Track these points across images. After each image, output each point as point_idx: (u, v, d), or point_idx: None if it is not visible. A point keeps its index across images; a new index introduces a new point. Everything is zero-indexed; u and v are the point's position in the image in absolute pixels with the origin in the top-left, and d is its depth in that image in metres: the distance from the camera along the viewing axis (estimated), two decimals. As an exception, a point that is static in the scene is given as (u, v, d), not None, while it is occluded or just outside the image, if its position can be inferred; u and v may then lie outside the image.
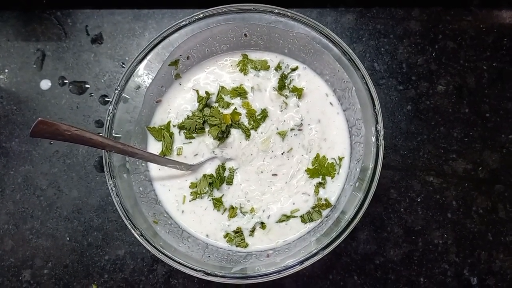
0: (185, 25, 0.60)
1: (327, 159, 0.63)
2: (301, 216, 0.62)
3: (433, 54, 0.73)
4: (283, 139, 0.64)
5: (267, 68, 0.66)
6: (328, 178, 0.63)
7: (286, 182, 0.63)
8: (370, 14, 0.75)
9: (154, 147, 0.65)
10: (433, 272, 0.66)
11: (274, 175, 0.63)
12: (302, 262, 0.52)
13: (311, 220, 0.61)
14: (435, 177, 0.69)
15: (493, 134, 0.70)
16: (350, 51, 0.58)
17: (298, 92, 0.65)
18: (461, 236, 0.67)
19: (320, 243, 0.53)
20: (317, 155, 0.63)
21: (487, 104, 0.71)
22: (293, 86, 0.66)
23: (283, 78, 0.66)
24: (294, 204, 0.62)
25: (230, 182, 0.63)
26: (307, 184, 0.63)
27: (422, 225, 0.67)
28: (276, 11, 0.59)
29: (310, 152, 0.64)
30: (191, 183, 0.64)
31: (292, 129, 0.64)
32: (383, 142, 0.55)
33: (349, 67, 0.58)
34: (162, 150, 0.65)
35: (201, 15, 0.60)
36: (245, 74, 0.66)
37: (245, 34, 0.63)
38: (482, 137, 0.70)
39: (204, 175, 0.64)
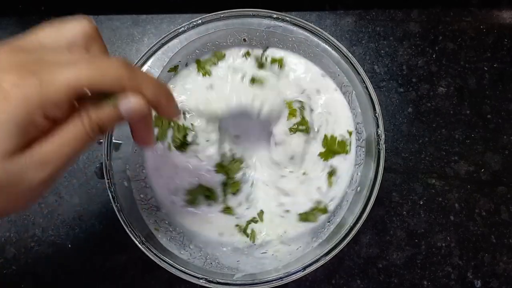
0: (184, 31, 0.60)
1: (336, 137, 0.61)
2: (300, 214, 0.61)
3: (433, 56, 0.73)
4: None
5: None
6: (339, 162, 0.61)
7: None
8: (370, 16, 0.74)
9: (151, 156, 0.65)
10: (436, 275, 0.66)
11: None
12: (304, 268, 0.52)
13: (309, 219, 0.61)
14: (437, 180, 0.69)
15: (495, 135, 0.70)
16: (350, 55, 0.57)
17: (279, 63, 0.62)
18: (464, 239, 0.67)
19: (323, 248, 0.53)
20: (325, 136, 0.61)
21: (488, 106, 0.71)
22: (272, 58, 0.62)
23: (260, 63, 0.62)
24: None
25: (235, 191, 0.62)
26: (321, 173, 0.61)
27: (425, 228, 0.67)
28: (275, 16, 0.59)
29: (317, 131, 0.62)
30: (186, 190, 0.60)
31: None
32: (384, 146, 0.55)
33: (348, 71, 0.58)
34: (157, 135, 0.60)
35: (200, 21, 0.59)
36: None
37: (244, 39, 0.63)
38: (484, 139, 0.70)
39: (201, 186, 0.60)
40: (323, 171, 0.61)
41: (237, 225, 0.62)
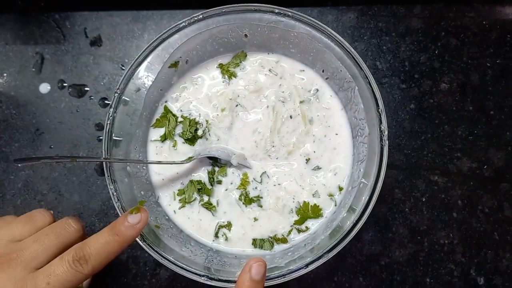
0: (184, 26, 0.59)
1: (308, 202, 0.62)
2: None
3: (436, 52, 0.72)
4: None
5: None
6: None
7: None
8: (372, 12, 0.74)
9: (154, 151, 0.64)
10: (439, 273, 0.65)
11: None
12: (307, 265, 0.52)
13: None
14: (439, 176, 0.68)
15: (498, 132, 0.69)
16: (353, 50, 0.57)
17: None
18: (467, 236, 0.66)
19: (325, 246, 0.53)
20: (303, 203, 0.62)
21: (491, 102, 0.70)
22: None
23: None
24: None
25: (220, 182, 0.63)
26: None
27: (428, 225, 0.67)
28: (276, 11, 0.58)
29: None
30: (179, 190, 0.62)
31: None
32: (387, 142, 0.54)
33: (351, 67, 0.57)
34: (164, 134, 0.63)
35: (201, 16, 0.59)
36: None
37: (245, 35, 0.63)
38: (486, 135, 0.69)
39: (191, 181, 0.62)
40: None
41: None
